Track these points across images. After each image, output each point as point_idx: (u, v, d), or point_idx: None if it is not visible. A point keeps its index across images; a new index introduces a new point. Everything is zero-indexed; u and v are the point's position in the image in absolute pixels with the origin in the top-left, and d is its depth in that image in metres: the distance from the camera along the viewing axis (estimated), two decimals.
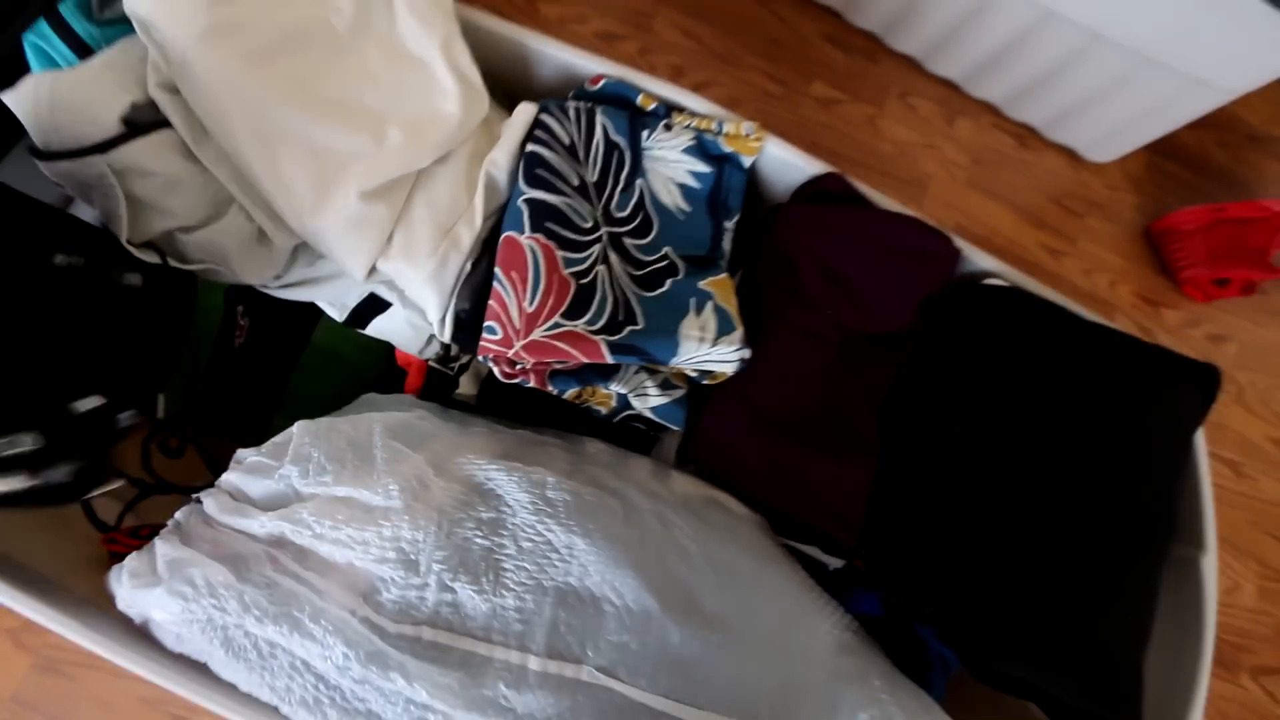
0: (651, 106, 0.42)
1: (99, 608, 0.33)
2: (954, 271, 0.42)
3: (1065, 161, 0.87)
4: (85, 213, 0.37)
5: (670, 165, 0.42)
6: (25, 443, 0.28)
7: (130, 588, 0.29)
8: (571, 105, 0.40)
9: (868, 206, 0.42)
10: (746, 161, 0.42)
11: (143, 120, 0.33)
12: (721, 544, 0.34)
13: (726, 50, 0.81)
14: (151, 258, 0.34)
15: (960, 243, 0.43)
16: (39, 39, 0.33)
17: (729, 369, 0.36)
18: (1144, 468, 0.40)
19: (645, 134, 0.42)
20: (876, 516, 0.38)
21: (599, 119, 0.40)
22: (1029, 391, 0.40)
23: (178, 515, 0.32)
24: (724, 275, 0.39)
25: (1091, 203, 0.86)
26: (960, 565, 0.37)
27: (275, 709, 0.29)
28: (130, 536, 0.35)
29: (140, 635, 0.32)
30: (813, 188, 0.43)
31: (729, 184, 0.42)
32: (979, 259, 0.43)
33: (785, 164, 0.43)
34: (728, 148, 0.42)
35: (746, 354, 0.36)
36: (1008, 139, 0.86)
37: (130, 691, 0.55)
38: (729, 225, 0.42)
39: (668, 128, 0.42)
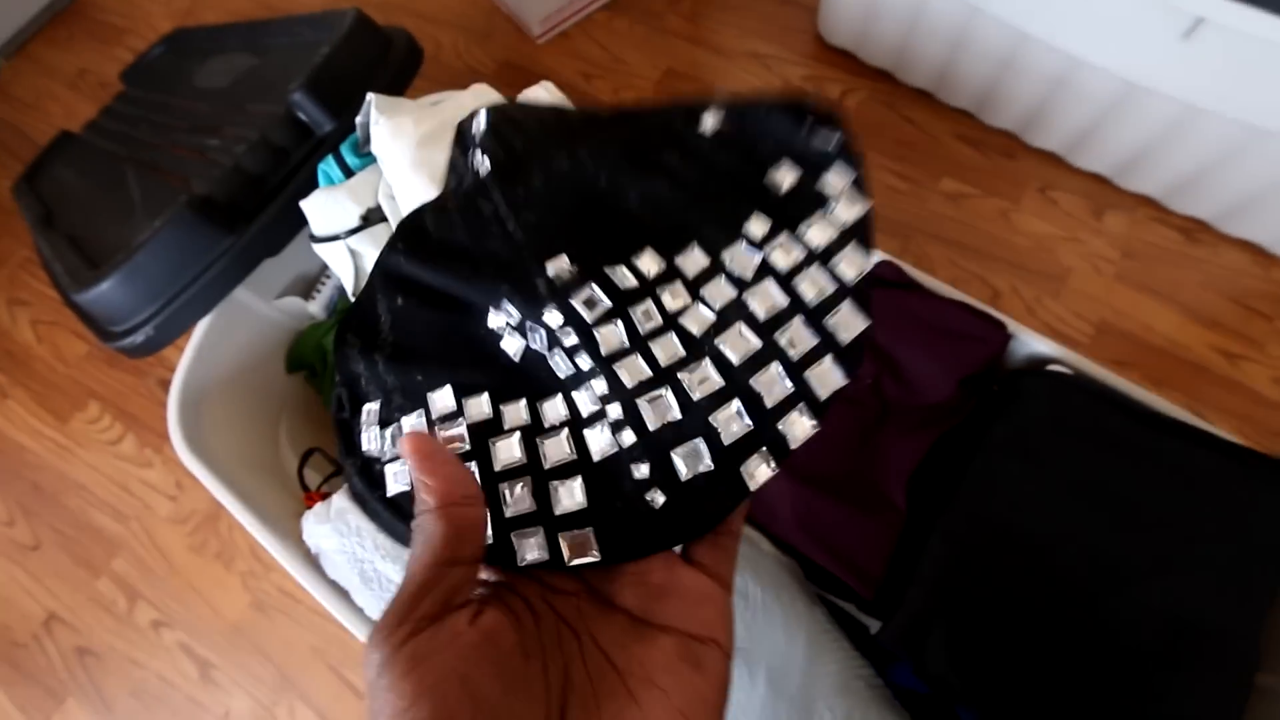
0: None
1: (297, 544, 0.47)
2: (1003, 354, 0.44)
3: (1249, 258, 0.78)
4: (335, 280, 0.55)
5: None
6: None
7: (312, 523, 0.42)
8: None
9: (920, 291, 0.46)
10: None
11: (374, 218, 0.50)
12: (738, 571, 0.39)
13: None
14: None
15: (1020, 328, 0.45)
16: (325, 166, 0.52)
17: None
18: (1225, 583, 0.37)
19: None
20: (897, 577, 0.40)
21: None
22: (1097, 486, 0.40)
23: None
24: None
25: None
26: (1003, 659, 0.37)
27: None
28: (321, 496, 0.50)
29: (314, 567, 0.45)
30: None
31: None
32: (1039, 344, 0.44)
33: None
34: None
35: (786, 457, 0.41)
36: (1171, 233, 0.80)
37: (303, 640, 0.71)
38: None
39: None
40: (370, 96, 0.47)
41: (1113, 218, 0.81)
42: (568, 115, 0.34)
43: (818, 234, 0.27)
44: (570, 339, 0.25)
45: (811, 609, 0.40)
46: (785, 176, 0.28)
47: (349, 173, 0.52)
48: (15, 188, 0.79)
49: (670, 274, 0.27)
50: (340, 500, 0.42)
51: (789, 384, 0.24)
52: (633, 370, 0.24)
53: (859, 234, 0.26)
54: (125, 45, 1.03)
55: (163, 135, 0.70)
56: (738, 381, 0.24)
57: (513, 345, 0.27)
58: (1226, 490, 0.39)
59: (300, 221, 0.51)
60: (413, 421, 0.26)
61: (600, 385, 0.25)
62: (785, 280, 0.26)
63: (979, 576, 0.39)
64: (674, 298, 0.26)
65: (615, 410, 0.24)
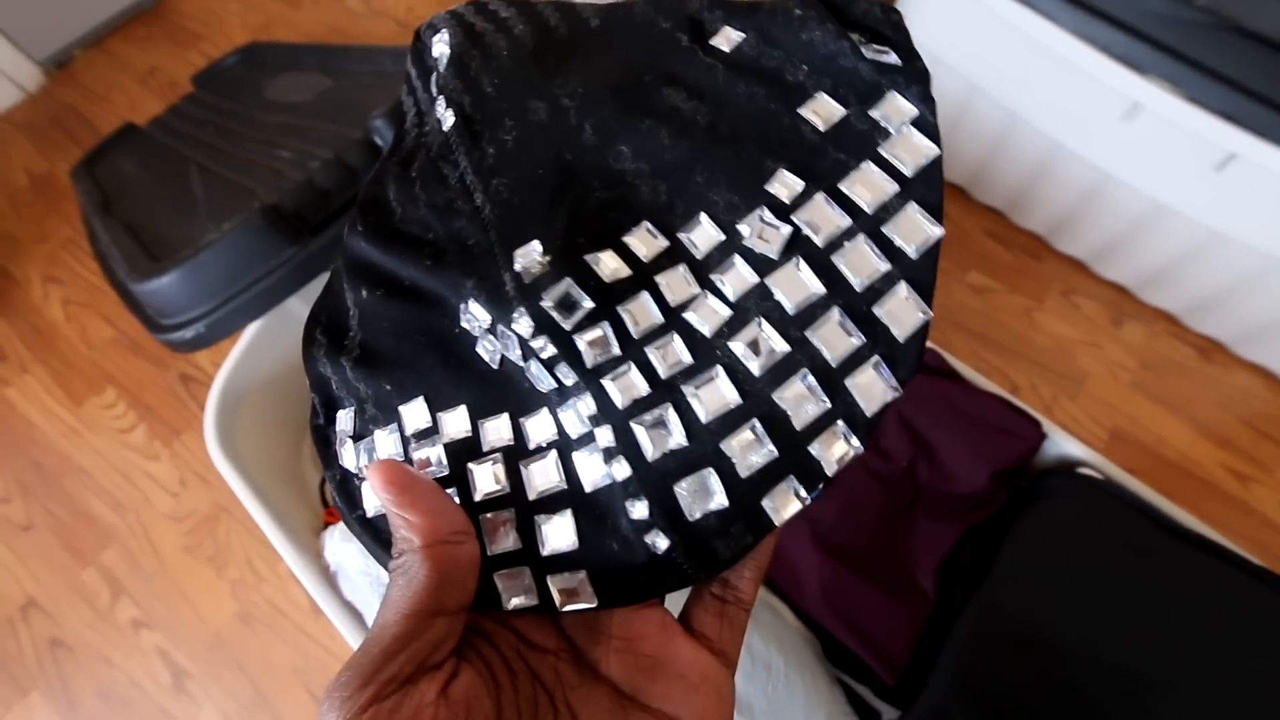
0: None
1: (314, 559, 0.47)
2: (1036, 451, 0.45)
3: (1261, 382, 0.80)
4: None
5: None
6: None
7: (338, 540, 0.42)
8: None
9: (961, 381, 0.48)
10: None
11: None
12: (763, 639, 0.39)
13: None
14: None
15: (1053, 429, 0.46)
16: None
17: None
18: (1248, 709, 0.37)
19: None
20: (921, 665, 0.39)
21: None
22: (1123, 594, 0.40)
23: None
24: None
25: None
26: None
27: None
28: None
29: (328, 584, 0.44)
30: None
31: None
32: (1071, 446, 0.45)
33: None
34: None
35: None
36: (1187, 350, 0.83)
37: (285, 659, 0.69)
38: None
39: None
40: None
41: (1132, 328, 0.84)
42: (551, 29, 0.26)
43: (867, 190, 0.20)
44: (547, 349, 0.20)
45: (832, 689, 0.40)
46: (824, 111, 0.22)
47: None
48: (74, 172, 0.81)
49: (672, 255, 0.21)
50: None
51: (824, 401, 0.19)
52: (625, 386, 0.20)
53: (924, 191, 0.20)
54: (199, 50, 1.07)
55: (230, 140, 0.73)
56: (758, 397, 0.19)
57: (487, 351, 0.22)
58: (1253, 612, 0.39)
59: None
60: (385, 438, 0.22)
61: (587, 404, 0.20)
62: (821, 258, 0.20)
63: (1002, 674, 0.38)
64: (676, 287, 0.21)
65: (606, 435, 0.20)
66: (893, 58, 0.22)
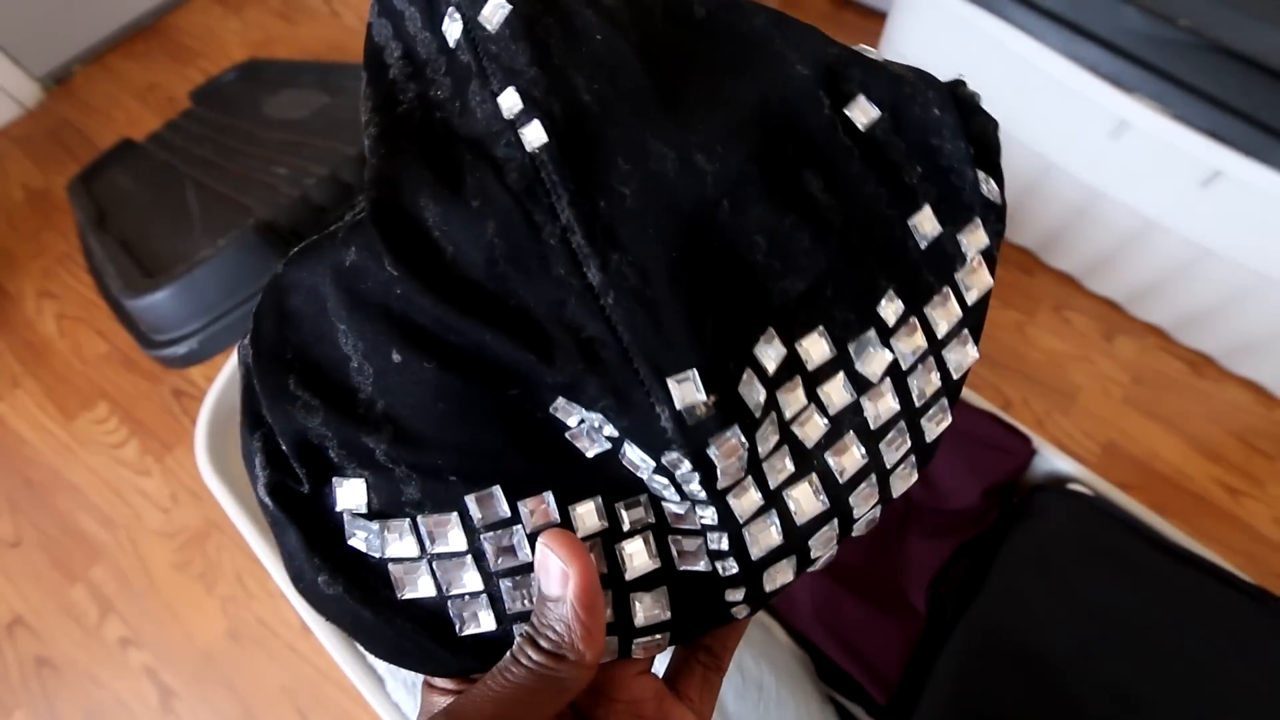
0: None
1: None
2: (1026, 467, 0.45)
3: (1251, 396, 0.81)
4: None
5: None
6: None
7: None
8: None
9: None
10: None
11: None
12: (754, 658, 0.38)
13: None
14: None
15: (1044, 445, 0.46)
16: None
17: None
18: (1233, 717, 0.37)
19: None
20: (913, 684, 0.39)
21: None
22: (1114, 611, 0.40)
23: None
24: None
25: None
26: None
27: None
28: None
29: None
30: None
31: None
32: (1060, 462, 0.45)
33: None
34: None
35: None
36: (1178, 364, 0.83)
37: (275, 677, 0.68)
38: None
39: None
40: None
41: (1123, 342, 0.84)
42: (648, 9, 0.21)
43: (944, 318, 0.21)
44: (692, 484, 0.19)
45: (824, 708, 0.39)
46: (927, 227, 0.21)
47: None
48: (70, 186, 0.81)
49: (789, 367, 0.20)
50: None
51: (877, 495, 0.21)
52: (746, 503, 0.20)
53: (975, 319, 0.21)
54: (197, 67, 1.08)
55: (227, 156, 0.73)
56: (840, 500, 0.20)
57: (592, 447, 0.20)
58: (1244, 629, 0.39)
59: None
60: (448, 522, 0.19)
61: (708, 515, 0.20)
62: (901, 379, 0.21)
63: (994, 692, 0.38)
64: (793, 401, 0.20)
65: (720, 541, 0.20)
66: (993, 188, 0.22)
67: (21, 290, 0.90)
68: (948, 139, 0.22)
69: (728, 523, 0.19)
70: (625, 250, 0.19)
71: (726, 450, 0.19)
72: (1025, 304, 0.88)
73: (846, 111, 0.22)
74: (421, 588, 0.20)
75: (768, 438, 0.19)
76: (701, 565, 0.20)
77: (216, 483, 0.48)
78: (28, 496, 0.78)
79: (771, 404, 0.20)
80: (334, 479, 0.19)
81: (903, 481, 0.21)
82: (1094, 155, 0.69)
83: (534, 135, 0.18)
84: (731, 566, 0.20)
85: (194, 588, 0.73)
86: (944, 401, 0.21)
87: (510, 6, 0.19)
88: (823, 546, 0.21)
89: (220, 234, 0.53)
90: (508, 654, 0.18)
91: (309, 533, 0.19)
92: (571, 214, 0.18)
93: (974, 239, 0.21)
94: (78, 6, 1.06)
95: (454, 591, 0.20)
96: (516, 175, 0.19)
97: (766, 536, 0.20)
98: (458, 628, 0.20)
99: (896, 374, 0.21)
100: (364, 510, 0.19)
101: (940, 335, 0.21)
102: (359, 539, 0.19)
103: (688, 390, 0.19)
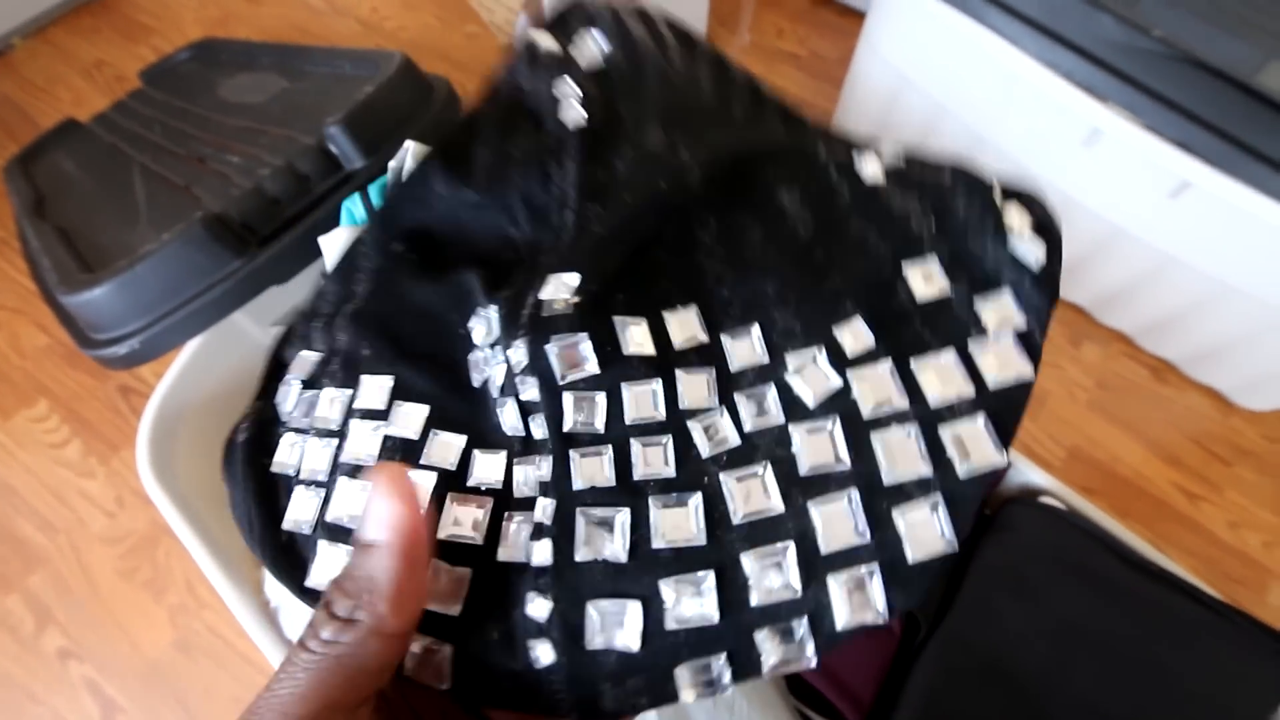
0: None
1: (255, 593, 0.44)
2: (999, 483, 0.44)
3: (1210, 403, 0.83)
4: None
5: None
6: None
7: None
8: None
9: None
10: None
11: None
12: None
13: None
14: None
15: (1017, 457, 0.45)
16: (349, 204, 0.51)
17: None
18: None
19: None
20: (886, 704, 0.39)
21: None
22: (1086, 627, 0.40)
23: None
24: None
25: (1243, 451, 0.80)
26: None
27: None
28: None
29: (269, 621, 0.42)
30: None
31: None
32: (1033, 474, 0.45)
33: None
34: None
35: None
36: (1141, 370, 0.85)
37: (226, 688, 0.65)
38: None
39: None
40: (408, 144, 0.47)
41: (1089, 348, 0.86)
42: (698, 84, 0.23)
43: (937, 380, 0.18)
44: (530, 392, 0.18)
45: None
46: (929, 279, 0.19)
47: (372, 212, 0.51)
48: (7, 168, 0.76)
49: (704, 354, 0.19)
50: None
51: (795, 588, 0.15)
52: (590, 469, 0.17)
53: (1000, 411, 0.17)
54: (150, 45, 1.02)
55: (178, 142, 0.69)
56: (726, 547, 0.16)
57: (476, 365, 0.20)
58: (1210, 643, 0.39)
59: (313, 254, 0.50)
60: (330, 395, 0.21)
61: (542, 469, 0.17)
62: (861, 430, 0.17)
63: (967, 709, 0.38)
64: (694, 391, 0.18)
65: (546, 510, 0.17)
66: (1039, 254, 0.19)
67: None
68: (957, 199, 0.21)
69: (560, 488, 0.17)
70: (601, 200, 0.22)
71: (568, 353, 0.18)
72: None
73: (852, 165, 0.23)
74: (283, 455, 0.22)
75: (641, 406, 0.18)
76: (517, 553, 0.18)
77: (158, 490, 0.45)
78: None
79: (662, 372, 0.18)
80: (301, 352, 0.24)
81: (844, 606, 0.16)
82: (1067, 162, 0.69)
83: (571, 114, 0.24)
84: (545, 555, 0.17)
85: (140, 596, 0.69)
86: (939, 506, 0.17)
87: (602, 51, 0.26)
88: (680, 604, 0.16)
89: (167, 226, 0.50)
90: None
91: (264, 385, 0.25)
92: (574, 170, 0.22)
93: (999, 311, 0.19)
94: None
95: (305, 466, 0.21)
96: (552, 140, 0.24)
97: (601, 539, 0.16)
98: (283, 501, 0.21)
99: (853, 419, 0.18)
100: (302, 374, 0.23)
101: (932, 402, 0.18)
102: (284, 398, 0.24)
103: (559, 286, 0.19)
